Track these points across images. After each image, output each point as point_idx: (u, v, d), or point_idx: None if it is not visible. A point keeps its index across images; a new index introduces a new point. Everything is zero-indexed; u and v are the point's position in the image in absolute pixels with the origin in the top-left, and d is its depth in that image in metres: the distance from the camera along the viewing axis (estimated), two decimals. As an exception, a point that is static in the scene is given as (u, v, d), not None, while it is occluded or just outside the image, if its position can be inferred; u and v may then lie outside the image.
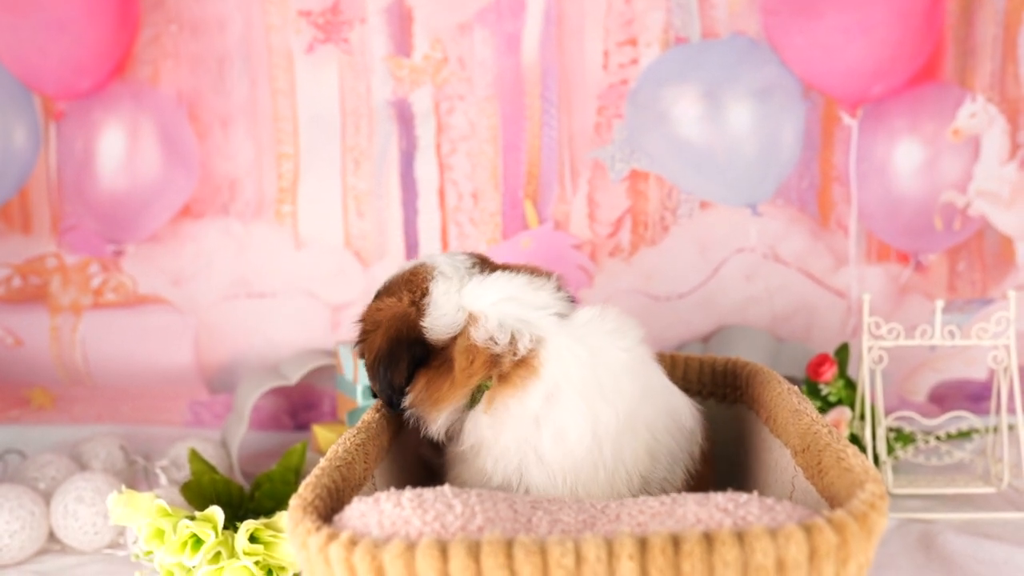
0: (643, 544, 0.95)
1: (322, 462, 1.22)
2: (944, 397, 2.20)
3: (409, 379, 1.38)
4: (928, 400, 2.20)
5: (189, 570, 1.44)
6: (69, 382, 2.22)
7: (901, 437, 1.93)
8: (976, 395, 2.19)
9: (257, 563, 1.44)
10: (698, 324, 2.16)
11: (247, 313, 2.17)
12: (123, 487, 1.52)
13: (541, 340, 1.32)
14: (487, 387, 1.34)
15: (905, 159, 2.10)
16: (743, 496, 1.09)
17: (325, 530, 1.02)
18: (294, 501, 1.10)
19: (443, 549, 0.96)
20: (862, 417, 1.88)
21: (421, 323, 1.36)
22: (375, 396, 1.46)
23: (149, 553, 1.47)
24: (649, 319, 2.11)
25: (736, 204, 2.14)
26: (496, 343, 1.32)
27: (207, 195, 2.15)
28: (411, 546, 0.97)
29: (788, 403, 1.40)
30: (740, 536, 0.96)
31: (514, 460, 1.31)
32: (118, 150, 2.14)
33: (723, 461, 1.68)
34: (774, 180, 2.13)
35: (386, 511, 1.06)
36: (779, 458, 1.42)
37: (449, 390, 1.36)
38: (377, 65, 2.13)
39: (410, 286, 1.42)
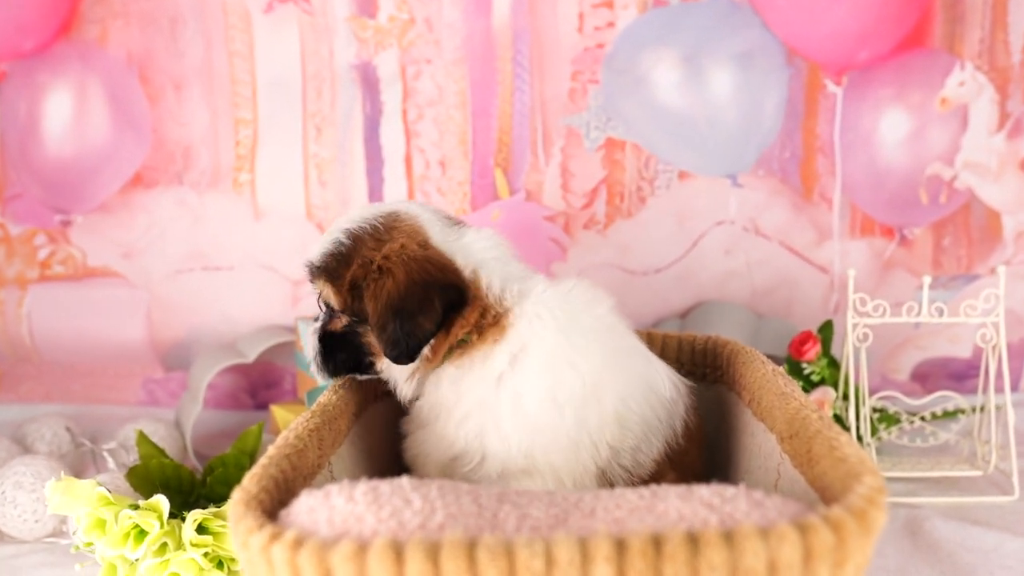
0: (621, 545, 0.86)
1: (270, 449, 1.13)
2: (927, 376, 2.15)
3: (438, 328, 1.28)
4: (911, 379, 2.15)
5: (132, 563, 1.36)
6: (15, 359, 2.14)
7: (885, 418, 1.86)
8: (960, 374, 2.14)
9: (206, 555, 1.35)
10: (675, 299, 2.11)
11: (203, 287, 2.11)
12: (64, 473, 1.46)
13: (522, 300, 1.30)
14: (466, 340, 1.29)
15: (891, 129, 2.06)
16: (729, 490, 1.00)
17: (268, 528, 0.92)
18: (236, 494, 1.00)
19: (398, 551, 0.87)
20: (845, 397, 1.81)
21: (456, 265, 1.30)
22: (332, 374, 1.38)
23: (90, 544, 1.38)
24: (625, 294, 2.07)
25: (716, 174, 2.09)
26: (489, 296, 1.29)
27: (160, 163, 2.09)
28: (363, 547, 0.87)
29: (774, 385, 1.32)
30: (728, 536, 0.87)
31: (475, 425, 1.27)
32: (64, 114, 2.07)
33: (704, 443, 1.62)
34: (755, 150, 2.07)
35: (337, 507, 0.97)
36: (763, 443, 1.34)
37: (443, 342, 1.30)
38: (340, 26, 2.04)
39: (403, 233, 1.32)
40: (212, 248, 2.11)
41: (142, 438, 1.60)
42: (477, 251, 1.32)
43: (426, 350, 1.29)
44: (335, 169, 2.07)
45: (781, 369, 1.40)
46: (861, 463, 1.02)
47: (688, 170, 2.08)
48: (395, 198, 2.07)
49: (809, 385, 1.84)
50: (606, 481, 1.29)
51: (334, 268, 1.31)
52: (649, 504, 1.00)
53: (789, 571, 0.88)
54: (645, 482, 1.32)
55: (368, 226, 1.32)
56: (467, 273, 1.30)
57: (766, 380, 1.36)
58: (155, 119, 2.07)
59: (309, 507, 0.98)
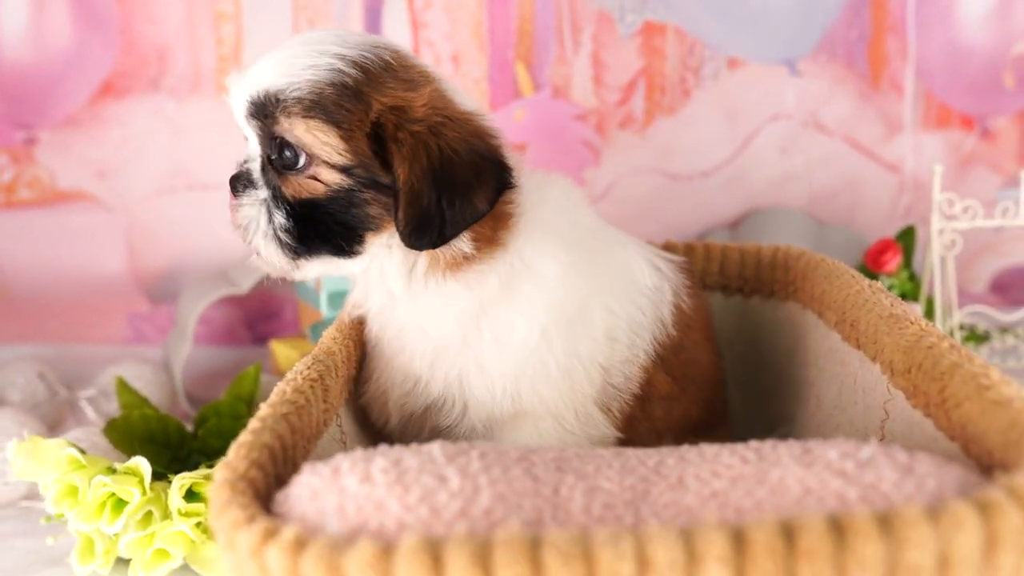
0: (739, 540, 0.64)
1: (263, 408, 0.91)
2: (1009, 286, 1.99)
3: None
4: (990, 290, 1.99)
5: (112, 538, 1.20)
6: (-17, 296, 2.04)
7: (973, 336, 1.67)
8: None
9: (198, 525, 1.19)
10: (725, 207, 1.97)
11: (188, 209, 1.97)
12: (35, 428, 1.39)
13: (527, 210, 1.13)
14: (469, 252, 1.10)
15: (972, 2, 1.91)
16: (864, 449, 0.77)
17: (261, 523, 0.71)
18: (220, 472, 0.78)
19: (436, 555, 0.64)
20: (928, 314, 1.59)
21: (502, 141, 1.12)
22: (299, 256, 1.10)
23: (61, 515, 1.23)
24: (667, 202, 1.94)
25: (771, 61, 1.93)
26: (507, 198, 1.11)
27: (132, 68, 1.93)
28: (387, 550, 0.65)
29: (876, 305, 1.11)
30: (884, 523, 0.65)
31: (453, 367, 1.12)
32: (20, 15, 1.92)
33: (770, 370, 1.45)
34: (816, 30, 1.90)
35: (350, 489, 0.74)
36: (860, 375, 1.15)
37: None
38: (333, -102, 1.89)
39: (426, 81, 1.09)
40: (197, 163, 1.97)
41: (122, 385, 1.49)
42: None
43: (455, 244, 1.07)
44: (332, 68, 1.86)
45: (880, 285, 1.17)
46: (1032, 408, 0.79)
47: (739, 56, 1.93)
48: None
49: (888, 301, 1.63)
50: (600, 406, 1.17)
51: (334, 104, 1.04)
52: (756, 471, 0.78)
53: (963, 566, 0.66)
54: (636, 396, 1.18)
55: (378, 59, 1.07)
56: None
57: (863, 299, 1.16)
58: (123, 17, 1.90)
59: (313, 489, 0.75)
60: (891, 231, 1.85)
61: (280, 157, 1.06)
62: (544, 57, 1.91)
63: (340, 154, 1.03)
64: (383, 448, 0.80)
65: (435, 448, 0.79)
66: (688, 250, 1.48)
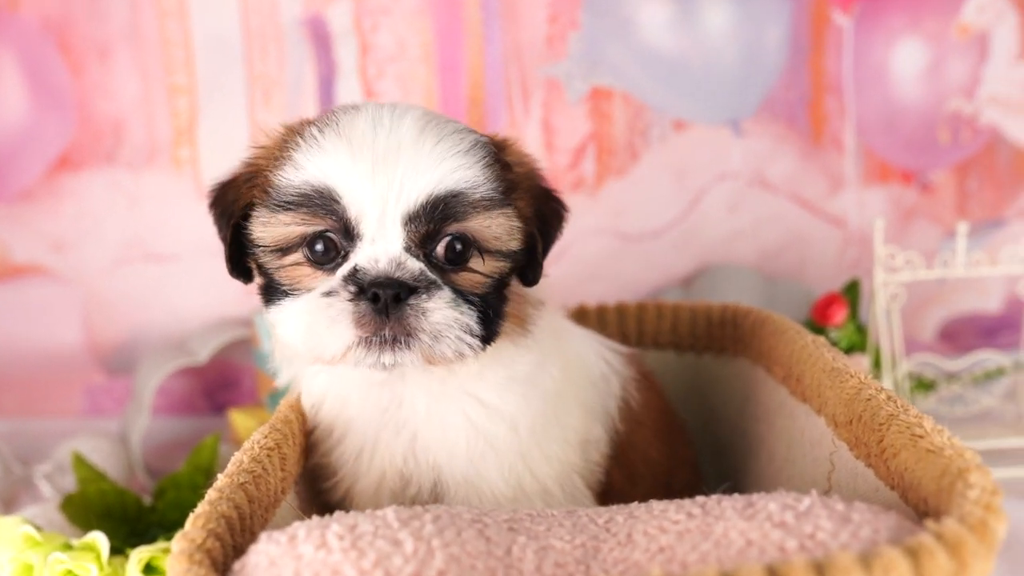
0: (683, 592, 0.65)
1: (221, 479, 0.91)
2: (956, 334, 2.00)
3: None
4: (938, 338, 1.99)
5: None
6: (-62, 371, 2.00)
7: (921, 384, 1.69)
8: (990, 329, 2.00)
9: None
10: (676, 266, 1.96)
11: (145, 280, 1.95)
12: None
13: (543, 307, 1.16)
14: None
15: (906, 62, 1.92)
16: (803, 501, 0.79)
17: (218, 592, 0.71)
18: (178, 544, 0.78)
19: (390, 619, 0.65)
20: (876, 364, 1.62)
21: None
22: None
23: None
24: (620, 262, 1.94)
25: (715, 122, 1.94)
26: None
27: (87, 141, 1.93)
28: (342, 616, 0.66)
29: (820, 360, 1.13)
30: (819, 570, 0.67)
31: (463, 445, 1.08)
32: None
33: (724, 424, 1.46)
34: (758, 92, 1.92)
35: (306, 556, 0.75)
36: (807, 428, 1.16)
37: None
38: (284, -25, 1.89)
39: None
40: (153, 235, 1.95)
41: (79, 461, 1.46)
42: None
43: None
44: (287, 138, 1.87)
45: (823, 340, 1.20)
46: (960, 455, 0.83)
47: (684, 119, 1.94)
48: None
49: (836, 353, 1.65)
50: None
51: (504, 188, 1.02)
52: (702, 525, 0.79)
53: (900, 610, 0.68)
54: (597, 493, 1.16)
55: (484, 135, 1.07)
56: None
57: (807, 353, 1.18)
58: (79, 92, 1.91)
59: (270, 558, 0.76)
60: (838, 284, 1.86)
61: (451, 253, 1.01)
62: (495, 123, 1.92)
63: (518, 236, 1.04)
64: (338, 514, 0.81)
65: (389, 513, 0.80)
66: (640, 309, 1.50)
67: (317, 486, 1.16)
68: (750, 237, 1.95)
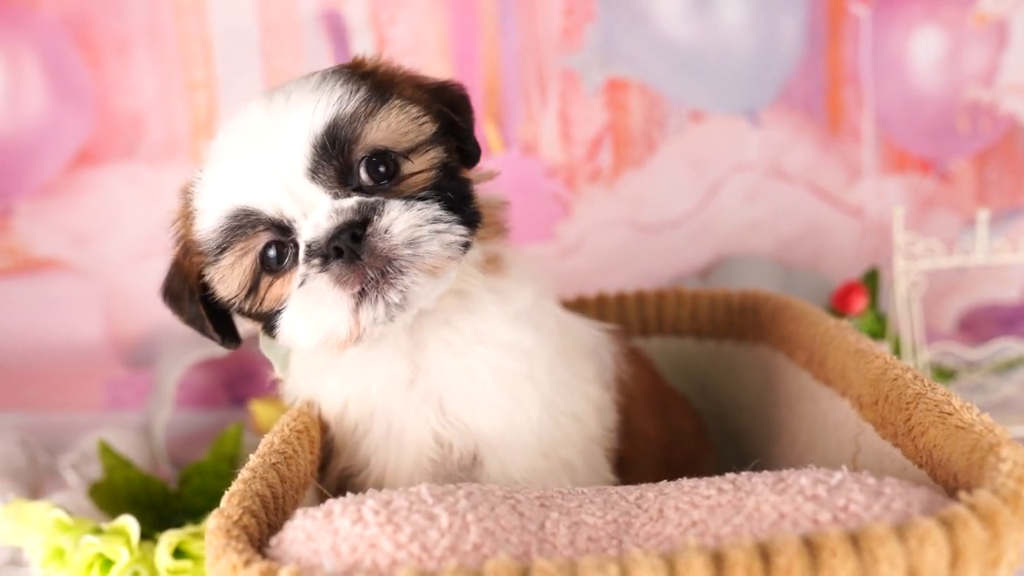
0: (718, 561, 0.66)
1: (252, 459, 0.92)
2: (975, 323, 2.00)
3: None
4: (958, 328, 1.99)
5: None
6: (-41, 365, 2.00)
7: (941, 373, 1.69)
8: (1009, 319, 1.99)
9: None
10: (693, 256, 1.97)
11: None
12: (16, 493, 1.38)
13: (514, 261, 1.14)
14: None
15: (924, 51, 1.93)
16: (834, 475, 0.80)
17: (258, 565, 0.72)
18: (214, 521, 0.79)
19: (429, 588, 0.66)
20: (896, 353, 1.62)
21: None
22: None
23: None
24: (637, 252, 1.94)
25: (732, 112, 1.95)
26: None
27: (107, 136, 1.93)
28: (381, 586, 0.67)
29: (844, 343, 1.13)
30: (854, 540, 0.67)
31: (488, 402, 1.07)
32: None
33: (744, 412, 1.47)
34: (775, 82, 1.93)
35: (343, 530, 0.75)
36: (831, 411, 1.17)
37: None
38: (299, -30, 1.90)
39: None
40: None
41: (104, 449, 1.46)
42: None
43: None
44: (305, 131, 1.88)
45: (846, 323, 1.20)
46: (990, 431, 0.84)
47: (701, 109, 1.95)
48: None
49: (856, 341, 1.66)
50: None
51: (378, 88, 1.02)
52: (733, 500, 0.80)
53: (934, 579, 0.68)
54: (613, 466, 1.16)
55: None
56: None
57: (830, 337, 1.18)
58: (98, 87, 1.91)
59: (307, 532, 0.77)
60: (856, 274, 1.87)
61: (376, 172, 0.99)
62: (512, 115, 1.93)
63: (423, 122, 1.01)
64: (372, 491, 0.82)
65: (423, 489, 0.81)
66: (660, 297, 1.51)
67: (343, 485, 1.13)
68: (767, 227, 1.96)
